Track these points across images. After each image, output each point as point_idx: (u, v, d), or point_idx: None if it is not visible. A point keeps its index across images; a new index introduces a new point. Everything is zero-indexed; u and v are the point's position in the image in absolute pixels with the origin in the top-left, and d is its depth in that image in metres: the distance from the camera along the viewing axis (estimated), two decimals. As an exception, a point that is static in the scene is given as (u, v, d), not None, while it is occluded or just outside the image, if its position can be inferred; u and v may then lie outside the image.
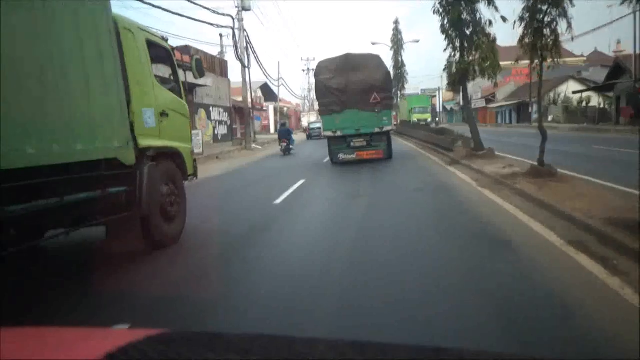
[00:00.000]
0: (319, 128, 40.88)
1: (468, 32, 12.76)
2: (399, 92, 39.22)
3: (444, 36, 13.06)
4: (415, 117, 40.98)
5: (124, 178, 4.60)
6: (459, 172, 10.95)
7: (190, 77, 7.62)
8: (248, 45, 25.41)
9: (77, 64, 3.87)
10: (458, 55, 13.08)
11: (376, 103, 13.12)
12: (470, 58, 12.99)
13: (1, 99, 3.01)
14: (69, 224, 4.17)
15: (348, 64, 13.38)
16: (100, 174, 4.18)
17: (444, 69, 14.04)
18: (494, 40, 12.74)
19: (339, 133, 13.41)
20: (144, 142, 4.89)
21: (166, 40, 5.92)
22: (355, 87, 13.14)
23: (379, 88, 13.22)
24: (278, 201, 8.17)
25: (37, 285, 4.29)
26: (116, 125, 4.40)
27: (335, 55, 13.89)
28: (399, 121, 38.27)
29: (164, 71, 6.51)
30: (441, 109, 69.15)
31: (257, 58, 44.47)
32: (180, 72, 6.39)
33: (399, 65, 44.13)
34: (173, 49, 6.22)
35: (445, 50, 13.37)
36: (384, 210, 7.05)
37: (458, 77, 13.49)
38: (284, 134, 20.60)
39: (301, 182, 10.52)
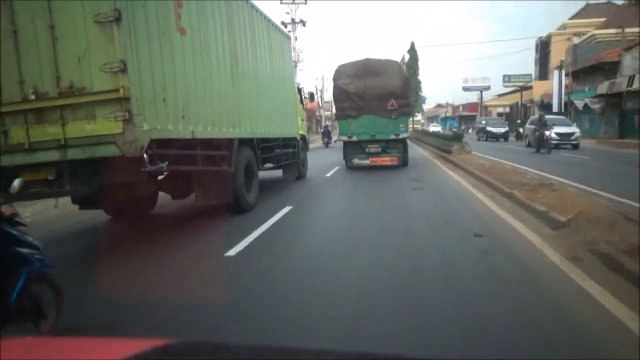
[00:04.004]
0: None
1: None
2: None
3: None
4: None
5: (293, 145, 11.08)
6: None
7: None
8: None
9: (290, 104, 10.41)
10: None
11: (393, 110, 13.36)
12: None
13: (267, 116, 9.54)
14: (276, 163, 10.57)
15: (367, 69, 13.63)
16: (292, 143, 10.71)
17: None
18: None
19: (354, 138, 13.61)
20: (300, 132, 11.43)
21: (299, 84, 12.48)
22: (373, 93, 13.31)
23: (397, 95, 13.39)
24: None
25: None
26: (296, 124, 10.94)
27: (355, 60, 14.14)
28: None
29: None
30: (560, 104, 33.92)
31: None
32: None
33: None
34: (300, 88, 12.73)
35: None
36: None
37: None
38: (326, 134, 30.21)
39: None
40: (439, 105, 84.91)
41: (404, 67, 34.10)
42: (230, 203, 6.93)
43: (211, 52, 6.36)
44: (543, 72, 45.20)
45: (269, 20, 9.18)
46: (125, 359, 0.67)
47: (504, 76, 48.16)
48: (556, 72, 34.05)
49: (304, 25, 32.98)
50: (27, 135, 4.56)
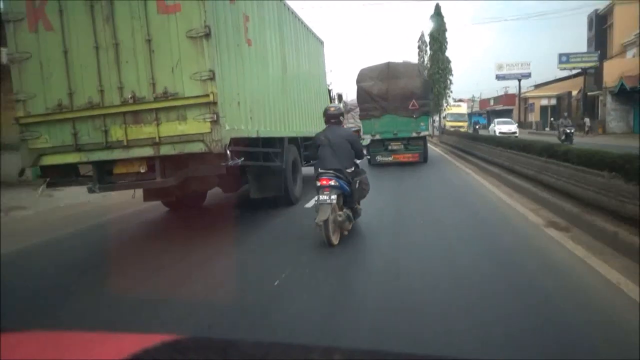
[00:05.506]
0: None
1: None
2: None
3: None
4: None
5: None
6: None
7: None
8: None
9: (324, 104, 11.09)
10: None
11: (414, 109, 14.15)
12: None
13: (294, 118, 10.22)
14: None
15: (389, 72, 14.51)
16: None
17: None
18: None
19: (377, 137, 14.45)
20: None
21: (329, 85, 13.14)
22: (395, 94, 14.15)
23: (417, 95, 14.28)
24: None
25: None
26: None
27: (377, 63, 15.06)
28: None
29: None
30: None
31: None
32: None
33: None
34: (330, 89, 13.37)
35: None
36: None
37: None
38: None
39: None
40: (460, 101, 76.17)
41: (428, 39, 31.56)
42: (281, 196, 7.63)
43: (267, 59, 7.07)
44: (601, 52, 35.12)
45: (308, 28, 9.86)
46: (133, 354, 0.69)
47: (560, 55, 35.53)
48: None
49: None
50: (125, 134, 5.28)
